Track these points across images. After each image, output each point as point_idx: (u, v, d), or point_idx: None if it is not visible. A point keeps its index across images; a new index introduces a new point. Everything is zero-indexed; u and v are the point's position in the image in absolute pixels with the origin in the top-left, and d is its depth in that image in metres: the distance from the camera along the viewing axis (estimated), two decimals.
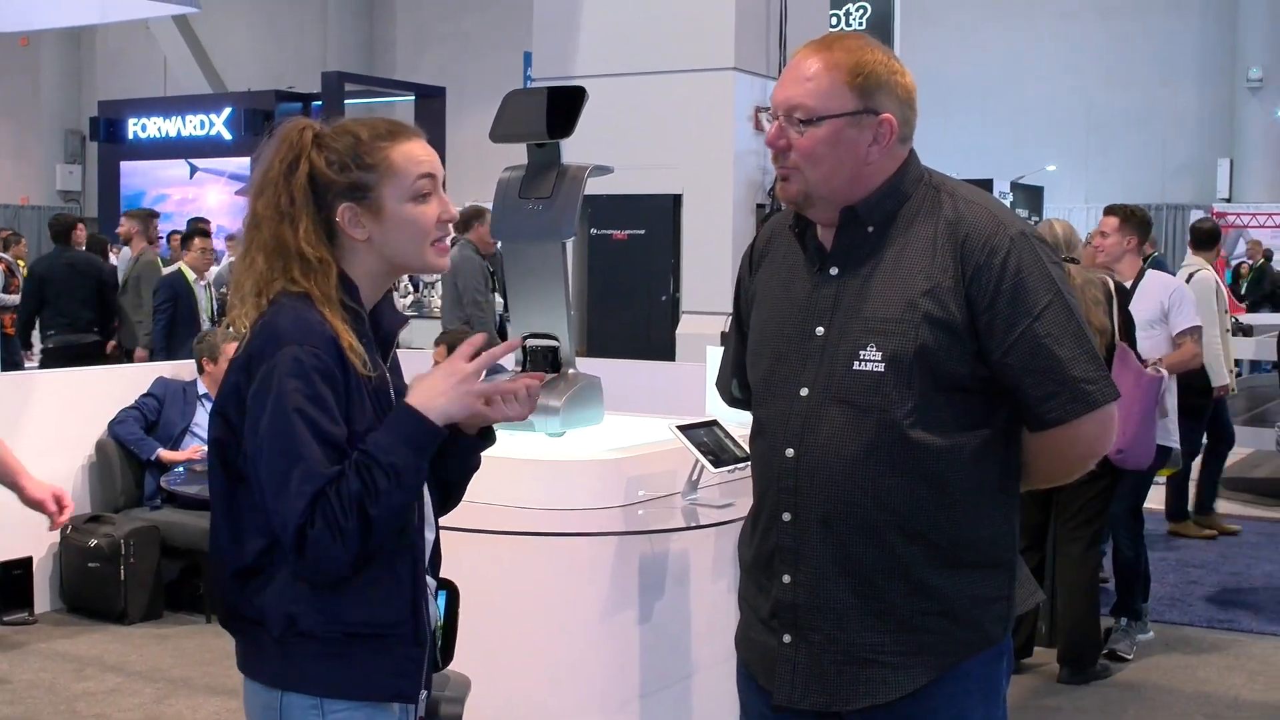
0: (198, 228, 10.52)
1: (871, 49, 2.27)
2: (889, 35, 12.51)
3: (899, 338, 2.19)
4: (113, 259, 12.64)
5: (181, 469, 6.54)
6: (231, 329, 2.46)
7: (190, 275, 9.54)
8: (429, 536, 2.29)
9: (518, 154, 4.13)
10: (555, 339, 4.10)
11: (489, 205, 4.68)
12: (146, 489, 6.65)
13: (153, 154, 18.79)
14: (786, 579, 2.28)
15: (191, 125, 18.57)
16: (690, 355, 6.85)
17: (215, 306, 9.72)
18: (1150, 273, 6.33)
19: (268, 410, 2.06)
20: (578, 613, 3.67)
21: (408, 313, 11.80)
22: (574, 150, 4.10)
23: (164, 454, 6.58)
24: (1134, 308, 5.68)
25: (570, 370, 4.09)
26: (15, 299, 11.88)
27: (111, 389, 6.76)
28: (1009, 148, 23.50)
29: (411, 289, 14.54)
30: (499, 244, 6.72)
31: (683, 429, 3.71)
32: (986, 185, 15.42)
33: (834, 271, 2.29)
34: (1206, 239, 8.43)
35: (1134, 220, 6.10)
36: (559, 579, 3.66)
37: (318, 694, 2.14)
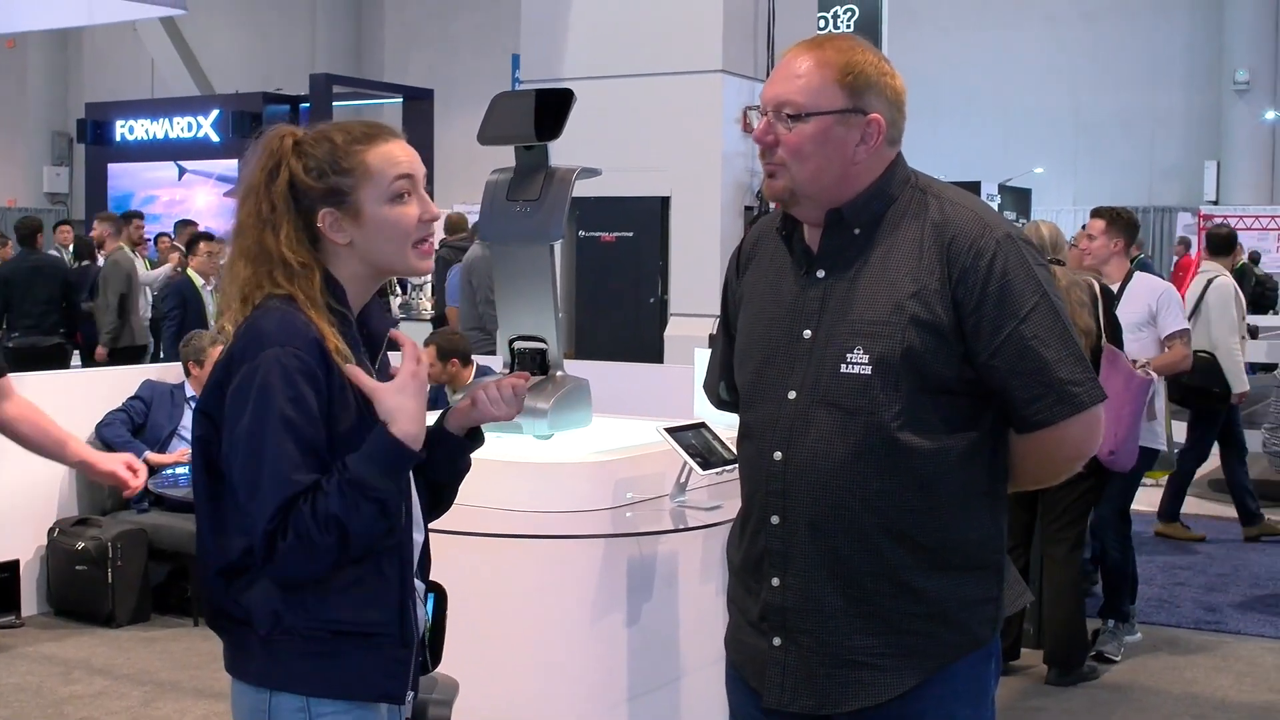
0: (202, 232, 10.51)
1: (863, 50, 2.27)
2: (877, 37, 12.51)
3: (886, 340, 2.19)
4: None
5: (169, 472, 6.52)
6: (221, 334, 2.47)
7: (198, 280, 9.52)
8: (417, 538, 2.29)
9: (506, 156, 4.13)
10: (543, 341, 4.10)
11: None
12: None
13: (140, 156, 18.74)
14: (775, 582, 2.28)
15: (179, 127, 18.51)
16: (678, 357, 6.86)
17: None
18: (1138, 275, 6.33)
19: (246, 411, 2.07)
20: (566, 615, 3.67)
21: (397, 314, 11.83)
22: (562, 152, 4.10)
23: (151, 457, 6.56)
24: (1121, 310, 5.69)
25: (558, 373, 4.09)
26: None
27: (98, 391, 6.74)
28: (997, 150, 23.59)
29: (400, 290, 14.49)
30: None
31: (671, 431, 3.71)
32: (974, 188, 15.46)
33: (821, 274, 2.29)
34: (1223, 244, 8.45)
35: (1121, 222, 6.11)
36: (547, 581, 3.66)
37: (304, 693, 2.14)
